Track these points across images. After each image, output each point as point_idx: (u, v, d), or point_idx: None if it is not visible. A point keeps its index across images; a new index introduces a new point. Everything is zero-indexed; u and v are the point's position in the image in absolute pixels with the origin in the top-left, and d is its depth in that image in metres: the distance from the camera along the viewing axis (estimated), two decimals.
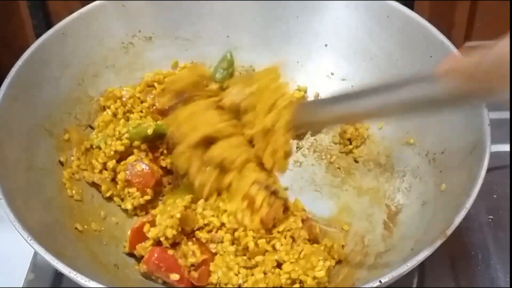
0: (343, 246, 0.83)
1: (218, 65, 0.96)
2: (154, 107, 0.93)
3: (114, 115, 0.92)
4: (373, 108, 0.71)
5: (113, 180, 0.87)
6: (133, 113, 0.92)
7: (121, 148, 0.85)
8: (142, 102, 0.93)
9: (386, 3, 0.90)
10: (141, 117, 0.92)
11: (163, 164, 0.89)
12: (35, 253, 0.88)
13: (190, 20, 0.97)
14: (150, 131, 0.86)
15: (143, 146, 0.87)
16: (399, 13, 0.89)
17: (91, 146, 0.89)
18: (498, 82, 0.55)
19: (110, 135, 0.86)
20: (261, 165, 0.80)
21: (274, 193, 0.79)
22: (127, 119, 0.92)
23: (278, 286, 0.76)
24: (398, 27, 0.90)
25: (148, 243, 0.78)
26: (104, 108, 0.92)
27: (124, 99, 0.92)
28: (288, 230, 0.80)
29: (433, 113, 0.75)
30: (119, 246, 0.83)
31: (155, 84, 0.94)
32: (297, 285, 0.75)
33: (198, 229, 0.80)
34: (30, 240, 0.68)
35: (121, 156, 0.87)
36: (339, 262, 0.80)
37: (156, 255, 0.77)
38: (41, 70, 0.86)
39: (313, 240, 0.81)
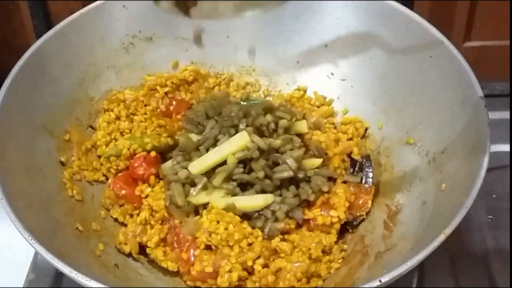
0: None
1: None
2: (158, 110, 0.94)
3: (117, 117, 0.92)
4: None
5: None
6: (136, 115, 0.93)
7: (123, 165, 0.88)
8: (145, 105, 0.94)
9: (386, 3, 0.90)
10: (145, 119, 0.93)
11: None
12: (36, 253, 0.88)
13: (190, 20, 0.97)
14: (149, 147, 0.88)
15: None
16: (399, 13, 0.90)
17: (92, 146, 0.90)
18: None
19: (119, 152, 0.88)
20: None
21: None
22: (131, 121, 0.92)
23: None
24: (398, 27, 0.90)
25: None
26: (107, 110, 0.93)
27: (127, 102, 0.93)
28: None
29: None
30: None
31: (158, 88, 0.95)
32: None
33: None
34: (31, 240, 0.68)
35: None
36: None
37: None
38: (41, 71, 0.87)
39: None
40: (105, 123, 0.91)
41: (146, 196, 0.84)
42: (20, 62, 0.84)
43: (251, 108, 0.87)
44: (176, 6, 0.68)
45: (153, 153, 0.87)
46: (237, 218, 0.80)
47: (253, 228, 0.80)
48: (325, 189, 0.84)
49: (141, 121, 0.92)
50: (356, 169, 0.89)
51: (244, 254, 0.77)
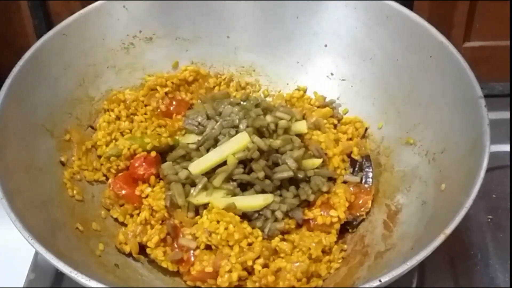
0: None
1: None
2: (159, 110, 0.94)
3: (118, 117, 0.92)
4: None
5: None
6: (137, 115, 0.93)
7: (123, 165, 0.88)
8: (146, 105, 0.94)
9: (385, 3, 0.90)
10: (146, 119, 0.93)
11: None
12: (36, 253, 0.88)
13: (190, 20, 0.97)
14: (149, 147, 0.87)
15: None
16: (399, 13, 0.90)
17: (92, 146, 0.90)
18: None
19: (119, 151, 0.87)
20: None
21: None
22: (131, 121, 0.92)
23: None
24: (397, 27, 0.90)
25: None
26: (107, 111, 0.93)
27: (127, 102, 0.93)
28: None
29: None
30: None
31: (158, 88, 0.95)
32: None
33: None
34: (31, 239, 0.68)
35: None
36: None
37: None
38: (42, 71, 0.87)
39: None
40: (105, 123, 0.91)
41: (146, 196, 0.85)
42: (20, 62, 0.84)
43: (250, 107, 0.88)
44: None
45: (153, 153, 0.87)
46: (237, 218, 0.80)
47: (253, 228, 0.81)
48: (324, 189, 0.84)
49: (141, 121, 0.92)
50: (356, 169, 0.89)
51: (244, 254, 0.77)
